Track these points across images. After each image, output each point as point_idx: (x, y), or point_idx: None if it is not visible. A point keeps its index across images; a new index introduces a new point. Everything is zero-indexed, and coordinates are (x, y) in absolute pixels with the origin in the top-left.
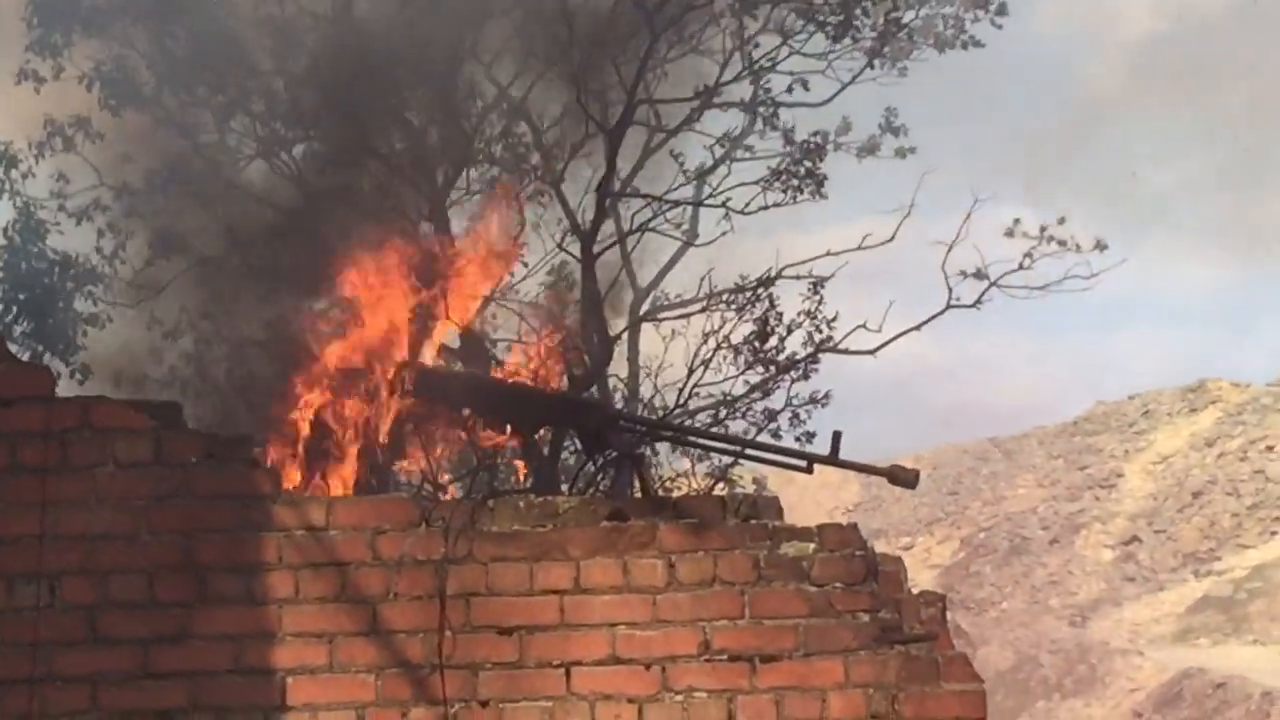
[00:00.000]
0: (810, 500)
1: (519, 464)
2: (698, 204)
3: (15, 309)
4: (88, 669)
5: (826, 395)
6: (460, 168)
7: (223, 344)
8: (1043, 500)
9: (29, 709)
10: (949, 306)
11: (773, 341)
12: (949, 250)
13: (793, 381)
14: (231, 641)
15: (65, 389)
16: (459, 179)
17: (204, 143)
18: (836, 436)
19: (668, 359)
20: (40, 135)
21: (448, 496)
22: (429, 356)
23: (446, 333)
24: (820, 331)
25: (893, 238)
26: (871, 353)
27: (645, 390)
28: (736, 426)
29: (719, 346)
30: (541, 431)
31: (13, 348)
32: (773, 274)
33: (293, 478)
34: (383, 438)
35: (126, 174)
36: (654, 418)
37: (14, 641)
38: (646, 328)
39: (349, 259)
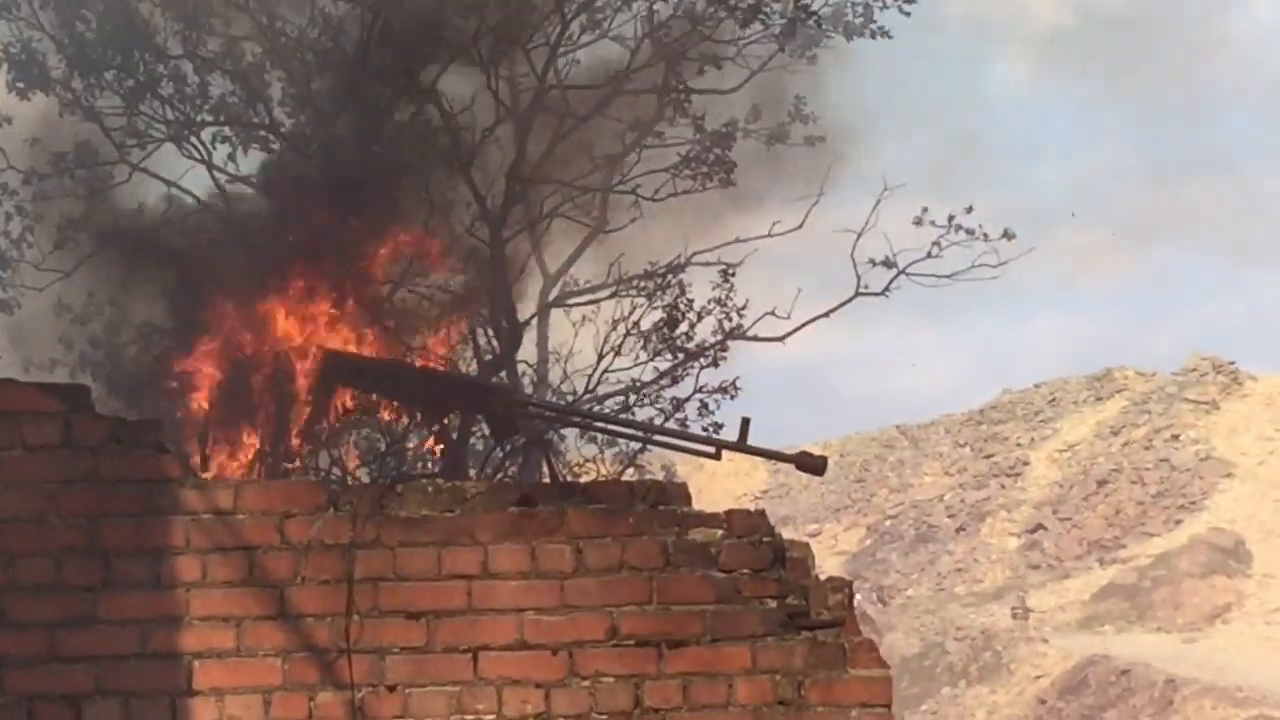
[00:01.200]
0: (718, 487)
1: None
2: (607, 190)
3: None
4: None
5: (735, 385)
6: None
7: (131, 329)
8: (949, 488)
9: None
10: (857, 294)
11: (682, 328)
12: (858, 238)
13: (701, 369)
14: (138, 626)
15: None
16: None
17: (111, 126)
18: (745, 423)
19: (577, 345)
20: None
21: (355, 481)
22: (337, 341)
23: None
24: (730, 319)
25: (801, 225)
26: (780, 339)
27: (554, 376)
28: (645, 414)
29: (628, 333)
30: (449, 416)
31: None
32: (682, 261)
33: (201, 461)
34: (292, 422)
35: (34, 157)
36: (562, 403)
37: None
38: (556, 314)
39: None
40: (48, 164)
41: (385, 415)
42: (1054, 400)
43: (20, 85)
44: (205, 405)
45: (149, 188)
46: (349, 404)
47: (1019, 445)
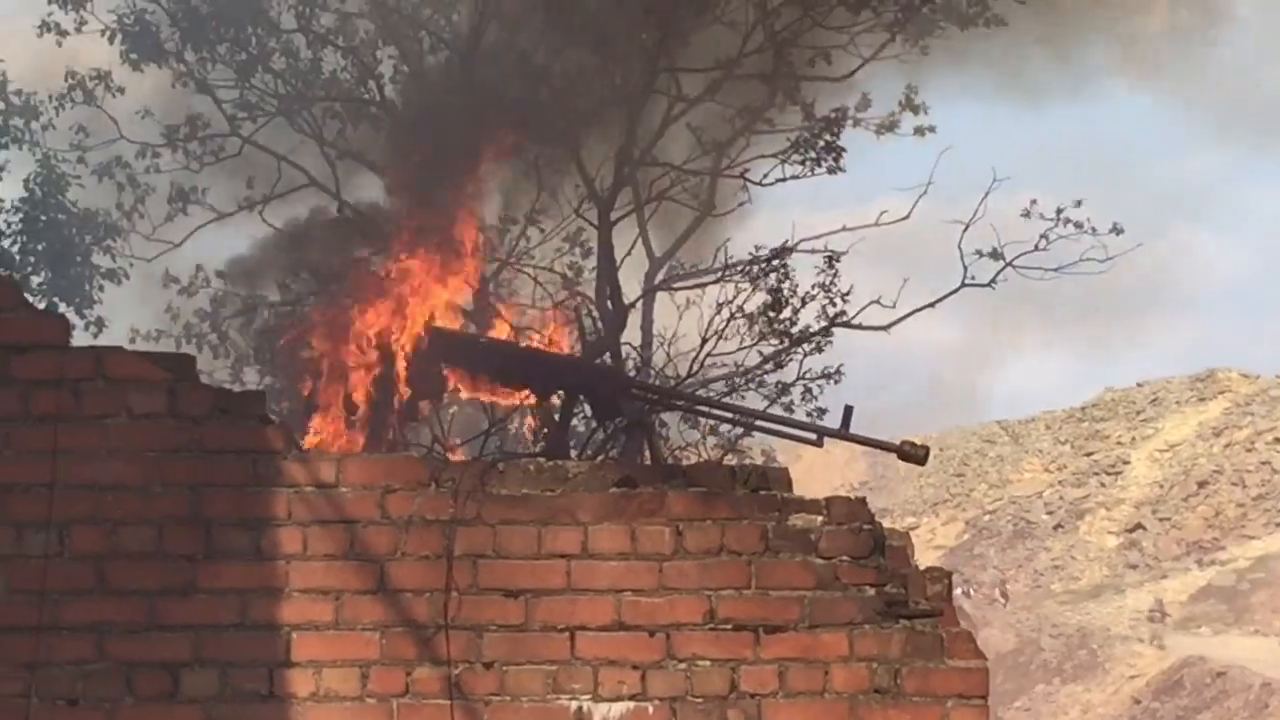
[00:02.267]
0: (817, 478)
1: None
2: (716, 174)
3: (33, 260)
4: (94, 618)
5: (839, 370)
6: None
7: (238, 301)
8: (1048, 485)
9: (35, 657)
10: (963, 285)
11: (786, 313)
12: (965, 229)
13: (805, 355)
14: (238, 596)
15: (81, 341)
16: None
17: (223, 99)
18: (848, 411)
19: (681, 329)
20: (61, 88)
21: (457, 458)
22: (444, 318)
23: (461, 295)
24: (834, 305)
25: (909, 215)
26: (885, 329)
27: (658, 359)
28: (749, 399)
29: (733, 317)
30: (553, 396)
31: (29, 299)
32: (788, 246)
33: (307, 434)
34: (397, 397)
35: (146, 129)
36: (666, 386)
37: (22, 589)
38: (661, 297)
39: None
40: (160, 135)
41: (488, 394)
42: (1156, 400)
43: (134, 57)
44: (310, 379)
45: (259, 161)
46: (454, 382)
47: (1120, 444)
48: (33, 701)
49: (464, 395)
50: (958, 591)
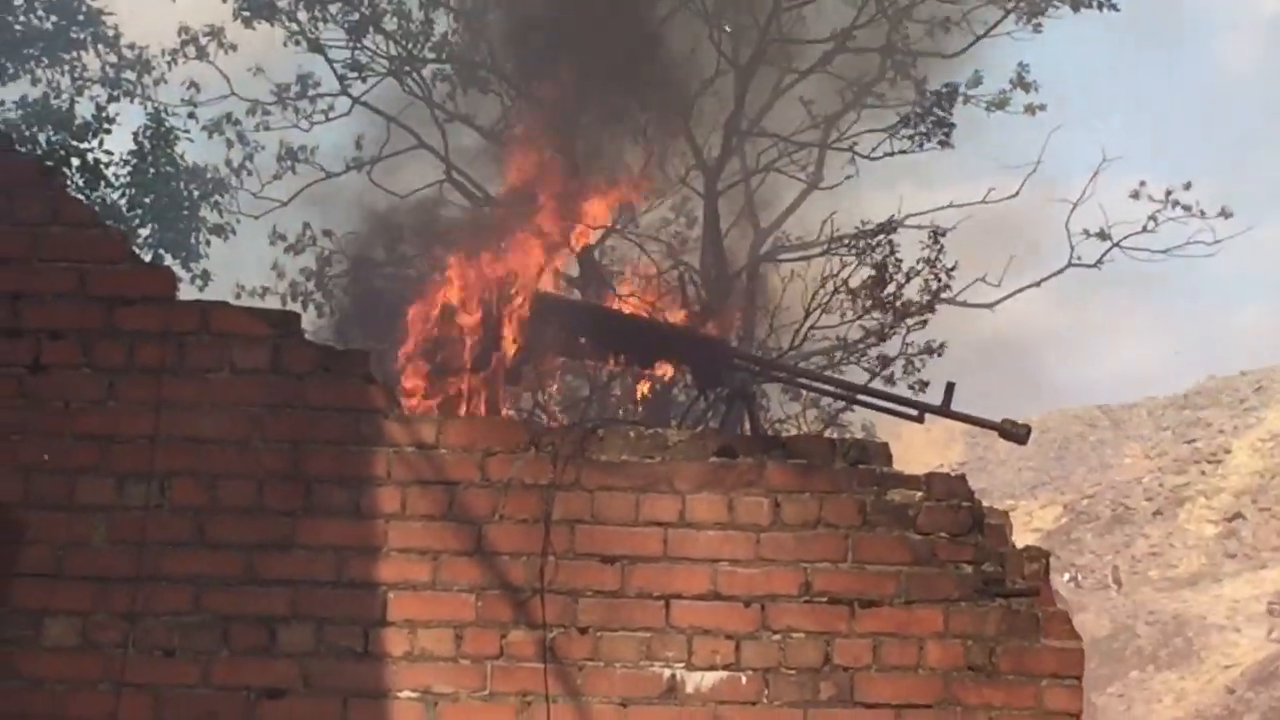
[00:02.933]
0: (916, 457)
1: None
2: (824, 147)
3: (140, 213)
4: (193, 571)
5: (941, 346)
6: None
7: (344, 260)
8: (1148, 471)
9: (133, 608)
10: (1070, 265)
11: (891, 288)
12: (1073, 209)
13: (909, 330)
14: (335, 553)
15: (186, 296)
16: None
17: (334, 58)
18: (949, 388)
19: (785, 300)
20: (174, 43)
21: (557, 424)
22: (548, 283)
23: (566, 260)
24: (939, 281)
25: (1017, 193)
26: (989, 306)
27: (761, 330)
28: (850, 374)
29: (837, 290)
30: (655, 364)
31: (136, 251)
32: (895, 221)
33: (408, 395)
34: (499, 361)
35: (257, 87)
36: (768, 358)
37: (122, 540)
38: (766, 268)
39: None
40: (270, 93)
41: (592, 360)
42: (1260, 388)
43: (246, 14)
44: (414, 340)
45: (369, 121)
46: (557, 347)
47: (1221, 432)
48: (130, 651)
49: (568, 360)
50: (1065, 578)
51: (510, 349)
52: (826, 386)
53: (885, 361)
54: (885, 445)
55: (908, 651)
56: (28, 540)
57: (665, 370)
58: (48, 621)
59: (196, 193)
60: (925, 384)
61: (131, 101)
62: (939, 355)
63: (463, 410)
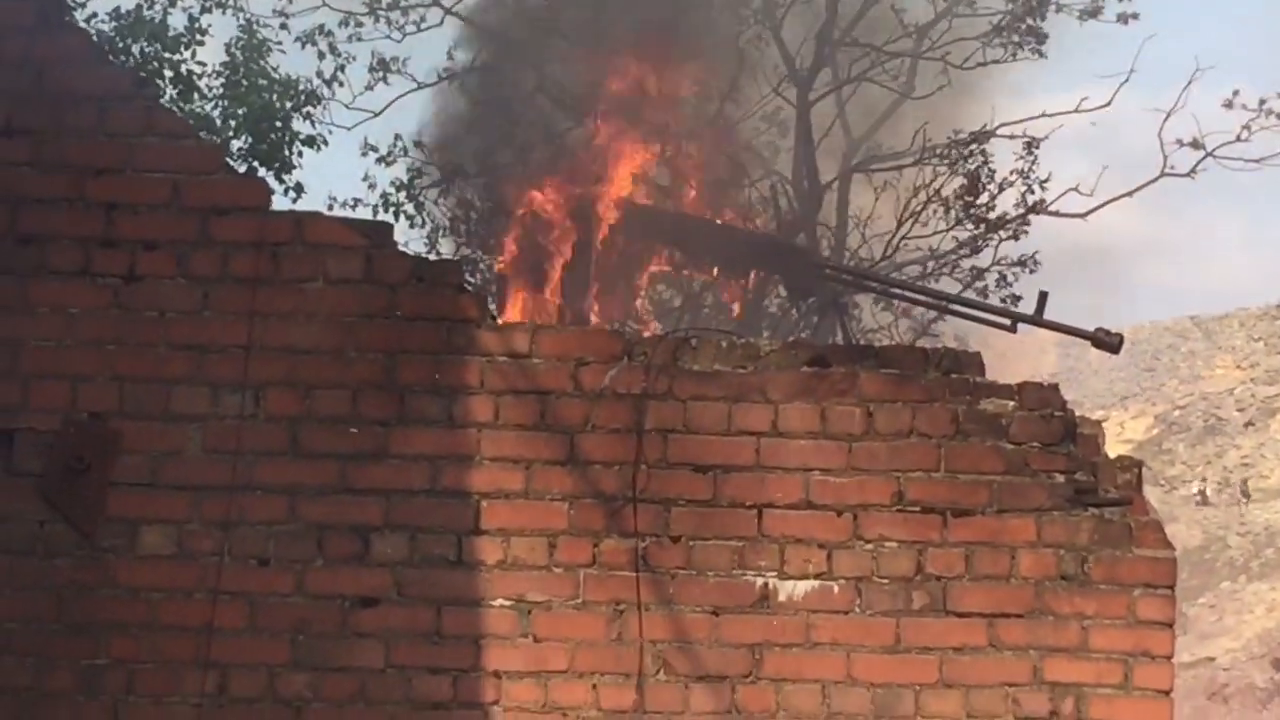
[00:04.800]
0: (1007, 369)
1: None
2: (916, 57)
3: (234, 125)
4: (287, 480)
5: (1034, 258)
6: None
7: (435, 170)
8: (1240, 382)
9: (228, 516)
10: (1162, 175)
11: (983, 198)
12: (1165, 118)
13: (1001, 241)
14: (429, 462)
15: (279, 207)
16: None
17: None
18: (1042, 296)
19: (877, 211)
20: None
21: (649, 333)
22: (639, 194)
23: (657, 171)
24: (1032, 192)
25: (1110, 103)
26: (1082, 216)
27: (852, 241)
28: (942, 285)
29: (929, 200)
30: (748, 274)
31: (229, 162)
32: (987, 131)
33: (499, 304)
34: (591, 271)
35: None
36: (860, 268)
37: (216, 449)
38: (858, 178)
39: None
40: (362, 4)
41: (684, 270)
42: None
43: None
44: (508, 250)
45: (459, 31)
46: (651, 257)
47: None
48: (225, 560)
49: (659, 270)
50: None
51: (602, 258)
52: (919, 296)
53: (978, 273)
54: (978, 355)
55: (1000, 561)
56: (124, 450)
57: (740, 278)
58: (144, 530)
59: (289, 104)
60: (1018, 298)
61: (224, 13)
62: (1032, 271)
63: (556, 320)
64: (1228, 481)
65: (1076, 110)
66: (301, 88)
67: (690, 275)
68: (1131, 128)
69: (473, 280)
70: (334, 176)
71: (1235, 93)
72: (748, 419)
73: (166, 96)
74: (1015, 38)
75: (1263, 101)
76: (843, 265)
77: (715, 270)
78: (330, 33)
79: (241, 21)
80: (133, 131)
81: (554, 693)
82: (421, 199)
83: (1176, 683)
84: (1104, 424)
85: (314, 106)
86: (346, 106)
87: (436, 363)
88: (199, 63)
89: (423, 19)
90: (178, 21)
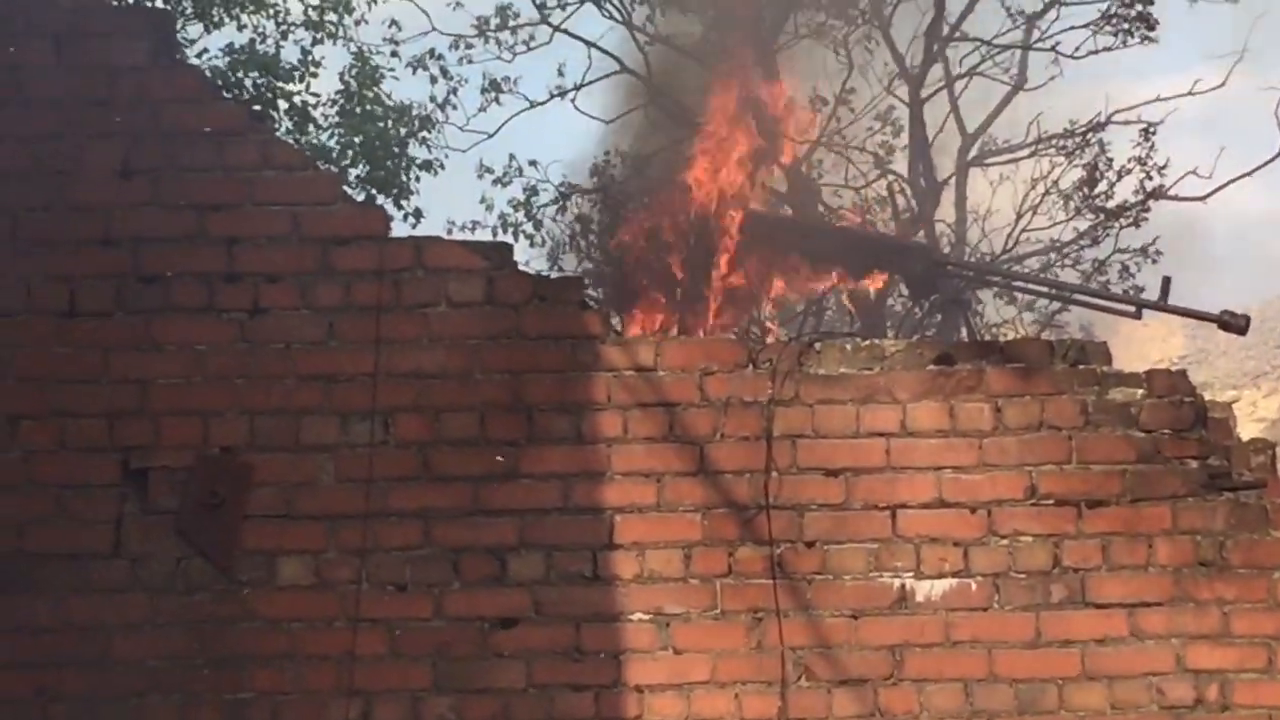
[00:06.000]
0: (1135, 353)
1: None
2: (1026, 48)
3: (351, 153)
4: (420, 505)
5: (1156, 247)
6: (787, 11)
7: (551, 189)
8: None
9: (363, 544)
10: None
11: (1102, 187)
12: None
13: (1121, 229)
14: (560, 480)
15: (398, 232)
16: (786, 23)
17: None
18: (1166, 282)
19: (995, 204)
20: None
21: (773, 339)
22: (758, 200)
23: (774, 176)
24: (1150, 179)
25: (1224, 83)
26: (1202, 199)
27: (972, 235)
28: (1065, 275)
29: (1047, 192)
30: (869, 275)
31: (348, 191)
32: (1102, 119)
33: (622, 319)
34: (713, 280)
35: (457, 21)
36: (981, 263)
37: (349, 477)
38: (974, 173)
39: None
40: (471, 27)
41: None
42: None
43: None
44: (628, 264)
45: (570, 49)
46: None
47: None
48: (363, 587)
49: (781, 289)
50: None
51: (724, 268)
52: (1041, 288)
53: (1099, 265)
54: (1104, 344)
55: (1137, 550)
56: (257, 483)
57: (878, 281)
58: (281, 561)
59: (404, 130)
60: (1140, 289)
61: (335, 43)
62: (1155, 261)
63: (679, 331)
64: None
65: (1191, 93)
66: (415, 113)
67: (813, 285)
68: (1246, 106)
69: (595, 295)
70: (452, 200)
71: None
72: (876, 420)
73: (282, 129)
74: (1125, 24)
75: None
76: (963, 261)
77: (837, 273)
78: (441, 56)
79: (354, 50)
80: (250, 165)
81: (696, 704)
82: (540, 217)
83: None
84: (1236, 404)
85: (429, 131)
86: (460, 129)
87: (563, 380)
88: (313, 93)
89: (532, 37)
90: (290, 54)
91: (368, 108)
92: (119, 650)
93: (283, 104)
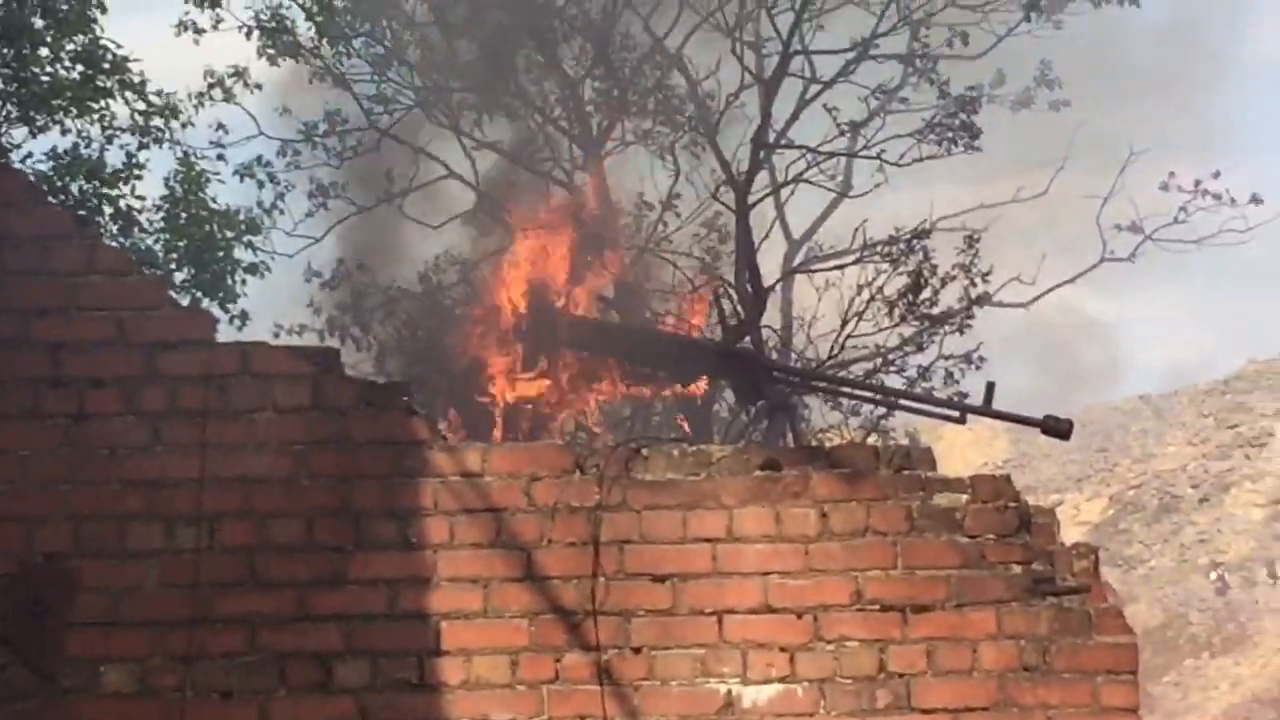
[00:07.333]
0: (959, 457)
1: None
2: (851, 155)
3: (175, 257)
4: (246, 611)
5: (979, 354)
6: (615, 119)
7: (378, 294)
8: (1193, 458)
9: (188, 650)
10: (1103, 260)
11: (926, 294)
12: (1103, 204)
13: (946, 335)
14: (387, 586)
15: (224, 336)
16: (614, 130)
17: (360, 93)
18: (990, 387)
19: (821, 310)
20: (200, 86)
21: (600, 445)
22: (583, 305)
23: (602, 283)
24: (974, 286)
25: (1046, 191)
26: (1025, 306)
27: (798, 342)
28: (889, 382)
29: (872, 299)
30: (695, 381)
31: (173, 295)
32: (927, 226)
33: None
34: (537, 389)
35: (284, 125)
36: (807, 369)
37: (174, 583)
38: (800, 279)
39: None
40: (298, 131)
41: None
42: None
43: (270, 52)
44: (454, 369)
45: (397, 154)
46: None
47: (1264, 416)
48: (188, 694)
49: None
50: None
51: (544, 374)
52: (866, 394)
53: (924, 372)
54: (929, 450)
55: (962, 655)
56: (82, 588)
57: (703, 387)
58: (105, 669)
59: (230, 234)
60: (964, 395)
61: (161, 147)
62: (978, 368)
63: (503, 438)
64: (1183, 558)
65: (1014, 200)
66: (242, 217)
67: (637, 391)
68: (1070, 212)
69: (421, 401)
70: (279, 303)
71: (1171, 174)
72: (703, 526)
73: (108, 233)
74: (949, 134)
75: (1198, 183)
76: (789, 366)
77: (665, 379)
78: (269, 162)
79: (179, 155)
80: (76, 270)
81: None
82: (367, 321)
83: None
84: (1059, 507)
85: (255, 235)
86: (288, 234)
87: (389, 486)
88: (138, 197)
89: (359, 143)
90: (115, 158)
91: (194, 212)
92: None
93: (108, 208)
